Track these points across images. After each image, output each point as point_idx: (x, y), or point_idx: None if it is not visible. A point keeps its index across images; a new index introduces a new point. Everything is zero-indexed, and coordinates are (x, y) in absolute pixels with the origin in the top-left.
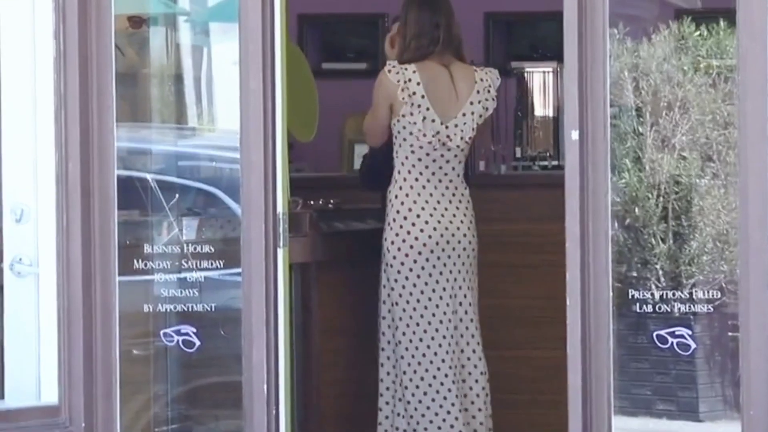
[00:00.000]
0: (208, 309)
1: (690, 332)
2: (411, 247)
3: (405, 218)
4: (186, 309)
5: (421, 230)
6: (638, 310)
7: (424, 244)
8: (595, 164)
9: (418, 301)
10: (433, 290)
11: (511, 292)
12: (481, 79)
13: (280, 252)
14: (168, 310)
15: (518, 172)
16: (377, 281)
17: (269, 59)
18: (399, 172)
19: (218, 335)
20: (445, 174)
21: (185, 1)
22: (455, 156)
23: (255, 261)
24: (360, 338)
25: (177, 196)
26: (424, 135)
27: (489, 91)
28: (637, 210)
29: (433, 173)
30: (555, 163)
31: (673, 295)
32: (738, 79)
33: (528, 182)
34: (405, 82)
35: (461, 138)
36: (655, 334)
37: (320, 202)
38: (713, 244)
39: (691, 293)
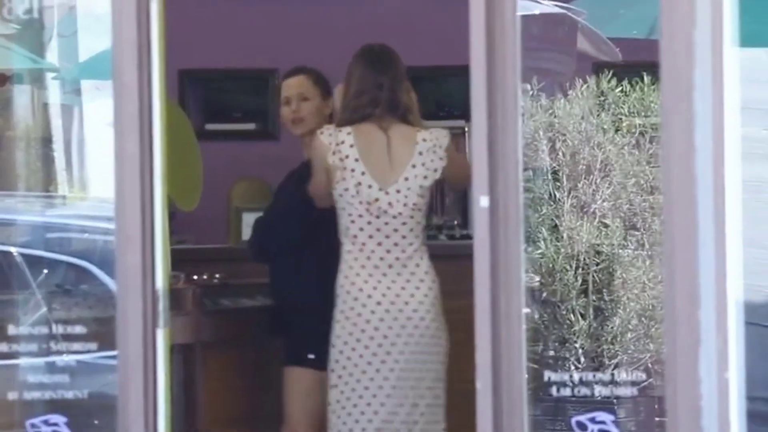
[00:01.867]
0: (81, 396)
1: (613, 418)
2: (363, 331)
3: (356, 299)
4: (55, 396)
5: (372, 312)
6: (556, 394)
7: (376, 328)
8: (506, 234)
9: (367, 403)
10: (380, 386)
11: None
12: (424, 140)
13: (160, 332)
14: (35, 397)
15: None
16: (270, 364)
17: (147, 119)
18: (344, 247)
19: (92, 425)
20: (395, 244)
21: (54, 56)
22: (403, 224)
23: (132, 343)
24: (252, 429)
25: (45, 271)
26: (360, 202)
27: (435, 152)
28: (554, 283)
29: (379, 243)
30: (463, 232)
31: (594, 376)
32: (663, 140)
33: (434, 253)
34: (337, 144)
35: (404, 204)
36: (574, 420)
37: (204, 277)
38: (638, 320)
39: (613, 375)
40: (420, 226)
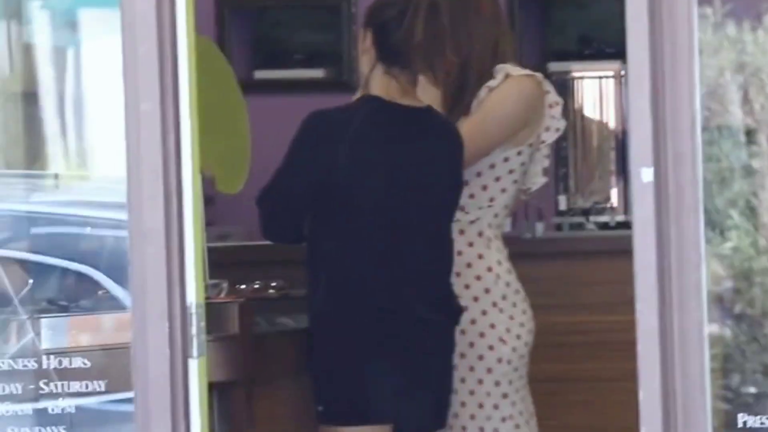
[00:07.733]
0: None
1: None
2: (526, 344)
3: (514, 304)
4: None
5: (533, 317)
6: None
7: (526, 344)
8: (679, 220)
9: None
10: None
11: (558, 418)
12: None
13: (193, 365)
14: None
15: (563, 234)
16: None
17: (170, 65)
18: (493, 233)
19: None
20: None
21: None
22: None
23: (154, 381)
24: None
25: (31, 282)
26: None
27: None
28: (751, 289)
29: None
30: (620, 218)
31: None
32: None
33: (579, 249)
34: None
35: None
36: None
37: (256, 286)
38: None
39: None
40: None
